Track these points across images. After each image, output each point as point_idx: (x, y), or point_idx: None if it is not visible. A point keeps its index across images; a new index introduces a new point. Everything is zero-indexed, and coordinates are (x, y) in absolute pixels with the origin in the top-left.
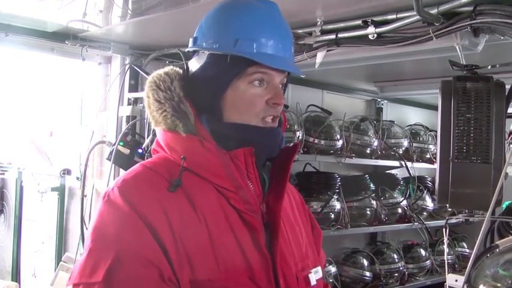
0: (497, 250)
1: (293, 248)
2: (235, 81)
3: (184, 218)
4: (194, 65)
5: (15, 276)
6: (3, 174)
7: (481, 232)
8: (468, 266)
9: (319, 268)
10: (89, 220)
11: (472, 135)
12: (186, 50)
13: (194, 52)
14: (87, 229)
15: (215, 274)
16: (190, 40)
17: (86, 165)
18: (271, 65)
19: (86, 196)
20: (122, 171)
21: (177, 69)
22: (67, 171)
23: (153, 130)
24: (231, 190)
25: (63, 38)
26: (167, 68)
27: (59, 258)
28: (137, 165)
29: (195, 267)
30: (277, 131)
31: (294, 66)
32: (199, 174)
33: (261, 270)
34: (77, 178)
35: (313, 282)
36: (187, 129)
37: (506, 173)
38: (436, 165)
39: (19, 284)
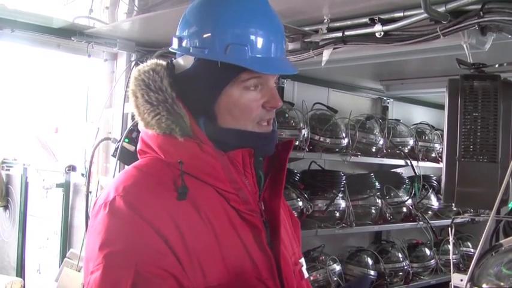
0: (502, 249)
1: (286, 243)
2: (229, 87)
3: (192, 224)
4: (183, 63)
5: (20, 272)
6: (9, 170)
7: (485, 231)
8: (471, 264)
9: (303, 259)
10: None
11: (478, 134)
12: (170, 49)
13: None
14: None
15: (225, 278)
16: (175, 40)
17: (91, 161)
18: (265, 71)
19: (90, 192)
20: (126, 167)
21: (162, 63)
22: (72, 168)
23: None
24: (231, 192)
25: (69, 34)
26: (152, 64)
27: (63, 254)
28: (131, 168)
29: (207, 273)
30: (274, 136)
31: (286, 64)
32: (199, 178)
33: (265, 269)
34: (82, 174)
35: (306, 275)
36: (183, 132)
37: None
38: (443, 164)
39: (24, 279)
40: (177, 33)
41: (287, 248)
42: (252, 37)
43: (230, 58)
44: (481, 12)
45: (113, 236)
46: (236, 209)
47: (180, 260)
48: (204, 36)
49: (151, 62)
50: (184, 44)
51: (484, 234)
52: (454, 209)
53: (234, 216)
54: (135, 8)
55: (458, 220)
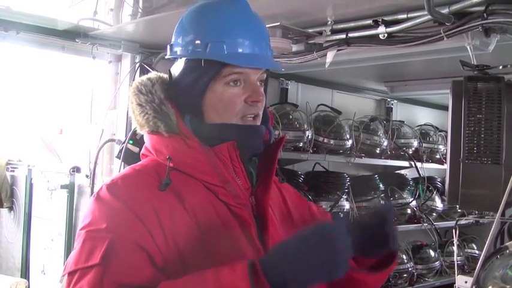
0: (507, 251)
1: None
2: (212, 83)
3: (174, 215)
4: (176, 69)
5: (25, 273)
6: (13, 171)
7: (491, 233)
8: (477, 267)
9: None
10: None
11: (482, 135)
12: (166, 57)
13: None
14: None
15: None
16: (168, 47)
17: (96, 163)
18: (241, 64)
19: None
20: None
21: (161, 74)
22: (76, 169)
23: None
24: (218, 185)
25: (73, 36)
26: (151, 74)
27: (68, 255)
28: (127, 167)
29: (187, 263)
30: (258, 128)
31: (269, 61)
32: (187, 173)
33: None
34: (87, 176)
35: None
36: (169, 129)
37: None
38: (447, 166)
39: (28, 280)
40: (171, 42)
41: None
42: (231, 34)
43: (210, 55)
44: (485, 14)
45: (96, 218)
46: (225, 202)
47: (157, 242)
48: (192, 41)
49: (152, 73)
50: (174, 50)
51: (489, 237)
52: (459, 210)
53: (223, 210)
54: (140, 10)
55: (463, 222)
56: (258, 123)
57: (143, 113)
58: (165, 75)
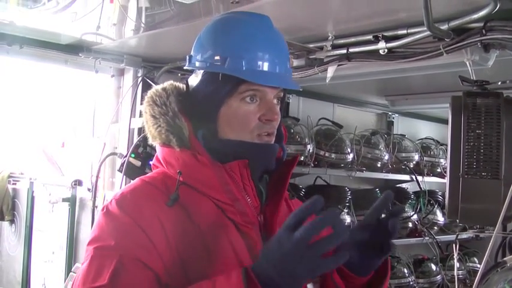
0: (506, 266)
1: None
2: (228, 99)
3: (180, 229)
4: (193, 81)
5: (25, 286)
6: (15, 184)
7: (489, 248)
8: (475, 281)
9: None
10: None
11: (482, 151)
12: (184, 67)
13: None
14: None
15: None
16: (187, 58)
17: (97, 176)
18: (259, 82)
19: (96, 207)
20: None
21: (177, 84)
22: (78, 182)
23: None
24: (227, 203)
25: (76, 50)
26: (166, 84)
27: (69, 268)
28: (136, 179)
29: (192, 279)
30: (272, 147)
31: (287, 80)
32: (196, 188)
33: None
34: (88, 189)
35: None
36: (181, 143)
37: None
38: (446, 180)
39: None
40: (191, 53)
41: None
42: (253, 53)
43: (228, 69)
44: (484, 30)
45: (104, 233)
46: (233, 220)
47: (163, 258)
48: (213, 55)
49: (168, 82)
50: (193, 61)
51: (487, 251)
52: (460, 224)
53: (231, 228)
54: (142, 25)
55: (463, 236)
56: (272, 141)
57: (156, 125)
58: (181, 85)
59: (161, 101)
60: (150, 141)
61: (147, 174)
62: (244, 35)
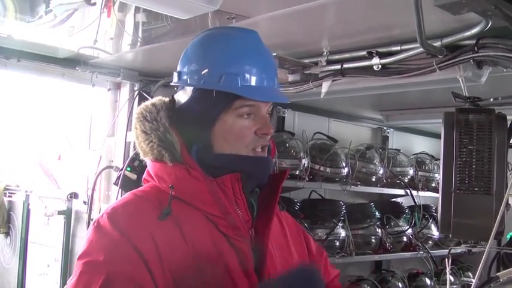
0: (499, 281)
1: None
2: (223, 115)
3: (171, 243)
4: (182, 97)
5: None
6: (11, 196)
7: (481, 263)
8: None
9: None
10: None
11: (474, 166)
12: (171, 84)
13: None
14: None
15: None
16: (175, 74)
17: (93, 189)
18: (257, 98)
19: (92, 220)
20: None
21: (165, 99)
22: (74, 195)
23: None
24: (219, 216)
25: (73, 64)
26: (155, 99)
27: (64, 281)
28: (128, 193)
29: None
30: (267, 160)
31: (278, 94)
32: (188, 202)
33: None
34: (84, 202)
35: None
36: (173, 158)
37: (508, 204)
38: (439, 196)
39: None
40: (178, 69)
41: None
42: (245, 68)
43: (223, 86)
44: (476, 47)
45: (93, 248)
46: (225, 234)
47: (153, 274)
48: (201, 70)
49: (156, 98)
50: (183, 77)
51: (480, 266)
52: (454, 239)
53: (222, 241)
54: (139, 39)
55: (457, 251)
56: (266, 154)
57: (147, 140)
58: (169, 100)
59: (151, 116)
60: (142, 156)
61: (139, 188)
62: (237, 51)
